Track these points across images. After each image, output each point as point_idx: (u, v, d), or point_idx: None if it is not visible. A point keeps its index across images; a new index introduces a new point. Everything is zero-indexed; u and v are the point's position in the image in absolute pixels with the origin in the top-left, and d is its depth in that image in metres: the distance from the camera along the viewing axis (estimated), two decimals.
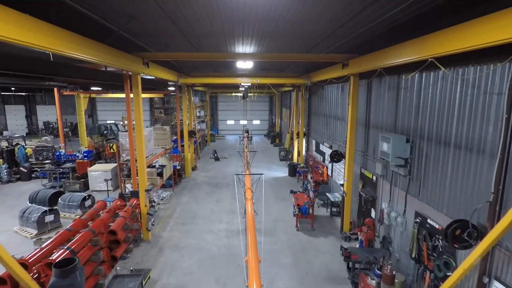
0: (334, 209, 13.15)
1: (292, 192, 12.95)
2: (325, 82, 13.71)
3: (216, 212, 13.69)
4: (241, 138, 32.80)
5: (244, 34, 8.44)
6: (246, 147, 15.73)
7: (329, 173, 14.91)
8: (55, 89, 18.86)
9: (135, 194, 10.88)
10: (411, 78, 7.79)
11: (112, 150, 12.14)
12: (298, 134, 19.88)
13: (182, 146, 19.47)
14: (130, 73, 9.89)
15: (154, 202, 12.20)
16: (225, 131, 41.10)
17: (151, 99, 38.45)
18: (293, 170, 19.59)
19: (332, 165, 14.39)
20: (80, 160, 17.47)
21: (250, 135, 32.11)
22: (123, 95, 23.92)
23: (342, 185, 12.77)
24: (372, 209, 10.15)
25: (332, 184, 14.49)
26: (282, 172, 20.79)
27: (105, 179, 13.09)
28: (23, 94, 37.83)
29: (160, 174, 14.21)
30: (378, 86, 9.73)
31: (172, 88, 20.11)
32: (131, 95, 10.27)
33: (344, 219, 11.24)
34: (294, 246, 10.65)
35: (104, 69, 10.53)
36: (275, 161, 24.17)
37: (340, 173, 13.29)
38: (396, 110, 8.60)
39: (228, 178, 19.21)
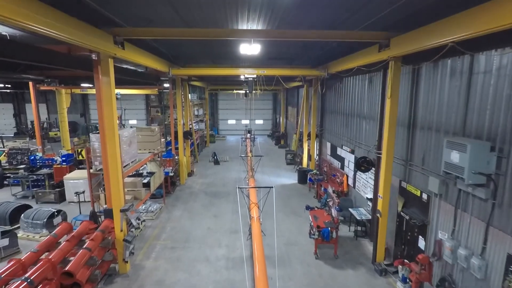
0: (359, 228, 10.67)
1: (308, 208, 10.48)
2: (348, 73, 11.22)
3: (214, 231, 11.21)
4: (243, 139, 30.39)
5: (251, 4, 6.05)
6: (250, 151, 13.31)
7: (350, 182, 12.42)
8: (31, 84, 16.44)
9: (108, 214, 8.41)
10: (498, 57, 5.30)
11: (81, 157, 9.76)
12: (309, 135, 17.38)
13: (177, 148, 17.01)
14: (94, 56, 7.41)
15: (138, 220, 9.74)
16: (225, 131, 38.63)
17: (147, 96, 36.05)
18: (304, 177, 17.10)
19: (355, 174, 11.89)
20: (58, 165, 15.03)
21: (253, 136, 29.67)
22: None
23: (370, 199, 10.29)
24: (420, 237, 7.66)
25: (355, 197, 11.99)
26: (290, 178, 18.29)
27: (77, 192, 10.63)
28: (11, 91, 35.44)
29: (147, 184, 11.74)
30: (432, 73, 7.22)
31: (167, 85, 17.63)
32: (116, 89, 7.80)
33: (378, 246, 8.74)
34: (315, 284, 8.16)
35: (67, 52, 8.11)
36: (281, 165, 21.67)
37: (367, 184, 10.79)
38: (466, 104, 6.10)
39: (229, 186, 16.73)
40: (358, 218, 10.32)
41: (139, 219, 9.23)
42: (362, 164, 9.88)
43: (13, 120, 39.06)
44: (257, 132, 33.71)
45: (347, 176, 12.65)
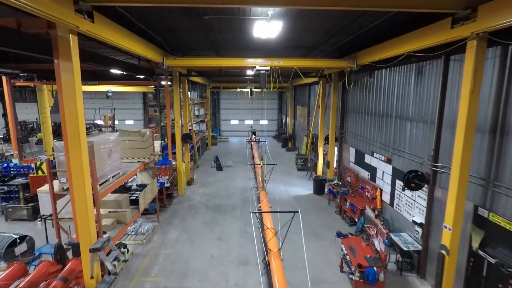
0: (403, 259, 8.37)
1: (340, 235, 8.20)
2: (385, 63, 8.91)
3: (218, 261, 8.92)
4: (247, 141, 28.11)
5: None
6: (262, 159, 11.04)
7: (385, 198, 10.13)
8: (4, 79, 14.17)
9: (76, 250, 6.13)
10: None
11: (40, 172, 7.53)
12: (326, 139, 15.07)
13: (174, 153, 14.74)
14: (50, 32, 5.12)
15: (117, 262, 7.41)
16: (228, 132, 36.35)
17: (144, 95, 33.81)
18: (321, 187, 14.81)
19: (393, 189, 9.59)
20: (34, 174, 12.73)
21: (258, 138, 27.41)
22: (104, 88, 19.21)
23: (420, 224, 8.00)
24: None
25: (392, 216, 9.69)
26: (304, 187, 16.00)
27: (41, 216, 8.22)
28: None
29: (136, 201, 9.46)
30: None
31: (163, 83, 15.24)
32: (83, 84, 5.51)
33: None
34: None
35: (17, 28, 5.87)
36: (291, 171, 19.36)
37: (413, 204, 8.49)
38: None
39: (234, 197, 14.44)
40: (403, 248, 8.02)
41: (118, 260, 6.95)
42: (413, 180, 7.57)
43: (3, 121, 36.77)
44: (261, 133, 31.44)
45: (381, 191, 10.35)
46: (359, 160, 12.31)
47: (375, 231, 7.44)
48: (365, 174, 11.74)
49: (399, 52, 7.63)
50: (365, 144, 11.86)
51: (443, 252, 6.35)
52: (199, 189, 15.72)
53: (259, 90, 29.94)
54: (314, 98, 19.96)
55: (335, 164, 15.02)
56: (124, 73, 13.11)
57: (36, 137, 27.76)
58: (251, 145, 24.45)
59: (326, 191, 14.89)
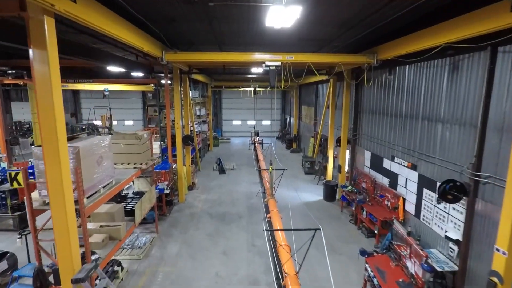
0: (436, 280, 7.34)
1: (364, 254, 7.18)
2: (411, 58, 7.88)
3: (225, 281, 7.90)
4: (250, 141, 27.08)
5: None
6: (271, 164, 10.02)
7: (409, 208, 9.11)
8: None
9: (57, 277, 5.12)
10: None
11: (16, 184, 6.52)
12: (338, 141, 14.04)
13: (175, 156, 13.71)
14: (21, 14, 4.12)
15: None
16: (230, 132, 35.34)
17: (143, 94, 32.79)
18: (331, 193, 13.80)
19: (420, 198, 8.56)
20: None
21: (261, 139, 26.39)
22: (100, 87, 18.19)
23: (456, 242, 7.00)
24: None
25: (416, 228, 8.65)
26: (313, 192, 14.98)
27: (21, 233, 7.17)
28: None
29: (132, 212, 8.45)
30: None
31: (163, 81, 14.17)
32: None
33: None
34: None
35: None
36: (298, 175, 18.33)
37: (445, 217, 7.46)
38: None
39: (239, 204, 13.42)
40: (437, 268, 6.99)
41: None
42: (450, 192, 6.54)
43: None
44: (264, 134, 30.46)
45: (404, 200, 9.32)
46: (376, 164, 11.29)
47: (408, 251, 6.41)
48: (383, 180, 10.71)
49: (434, 44, 6.61)
50: (383, 148, 10.83)
51: (495, 280, 5.33)
52: (202, 194, 14.70)
53: (263, 89, 28.95)
54: (322, 97, 18.95)
55: (347, 168, 13.99)
56: (121, 70, 12.14)
57: (32, 138, 26.81)
58: (255, 146, 23.44)
59: (337, 197, 13.90)
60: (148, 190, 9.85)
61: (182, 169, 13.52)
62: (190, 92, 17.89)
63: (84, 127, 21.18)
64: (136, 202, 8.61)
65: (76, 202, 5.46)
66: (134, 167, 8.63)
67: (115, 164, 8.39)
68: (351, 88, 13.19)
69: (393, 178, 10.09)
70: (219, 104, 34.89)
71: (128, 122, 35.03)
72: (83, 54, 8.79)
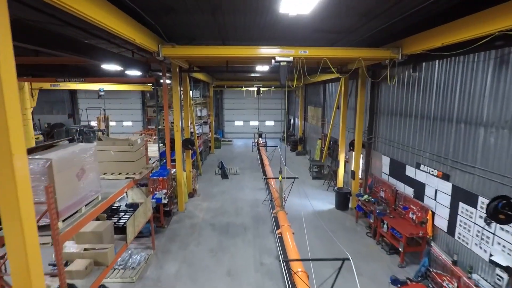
0: None
1: (396, 283, 6.07)
2: (450, 50, 6.77)
3: None
4: (253, 143, 25.95)
5: None
6: (280, 173, 8.93)
7: (439, 223, 7.99)
8: None
9: None
10: None
11: None
12: (351, 144, 12.94)
13: (174, 161, 12.62)
14: None
15: None
16: (232, 134, 34.23)
17: (143, 94, 31.72)
18: (344, 201, 12.70)
19: (454, 213, 7.44)
20: None
21: (265, 141, 25.30)
22: (95, 86, 17.13)
23: (506, 269, 5.87)
24: None
25: (452, 248, 7.53)
26: (323, 200, 13.87)
27: None
28: None
29: (124, 230, 7.35)
30: None
31: (161, 80, 12.97)
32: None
33: None
34: None
35: None
36: (306, 180, 17.21)
37: (492, 238, 6.33)
38: None
39: (244, 214, 12.33)
40: None
41: None
42: (502, 211, 5.42)
43: None
44: (268, 136, 29.36)
45: (433, 213, 8.21)
46: (397, 172, 10.17)
47: (455, 285, 5.29)
48: (406, 190, 9.59)
49: (484, 33, 5.49)
50: (405, 153, 9.71)
51: None
52: (203, 202, 13.60)
53: (266, 89, 27.83)
54: (331, 97, 17.86)
55: (360, 174, 12.87)
56: (117, 68, 11.07)
57: None
58: (259, 149, 22.33)
59: (350, 205, 12.81)
60: (143, 202, 8.76)
61: (182, 176, 12.43)
62: (191, 92, 16.81)
63: (79, 128, 20.13)
64: (129, 217, 7.51)
65: (46, 227, 4.40)
66: (126, 178, 7.54)
67: (104, 174, 7.34)
68: (366, 87, 12.08)
69: (418, 188, 8.97)
70: (221, 104, 33.81)
71: (127, 123, 34.00)
72: (73, 49, 7.73)
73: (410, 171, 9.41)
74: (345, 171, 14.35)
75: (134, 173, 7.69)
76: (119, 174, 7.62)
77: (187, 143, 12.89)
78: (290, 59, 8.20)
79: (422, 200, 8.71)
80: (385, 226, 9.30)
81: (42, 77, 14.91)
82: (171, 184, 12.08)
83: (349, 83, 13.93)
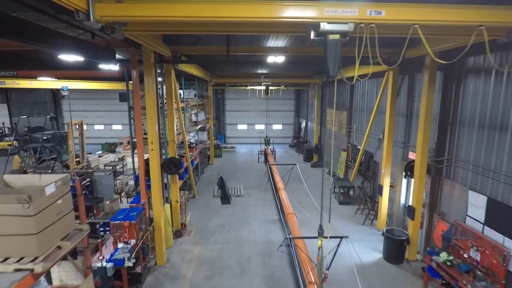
0: None
1: None
2: None
3: None
4: (260, 152, 22.04)
5: None
6: (321, 236, 5.08)
7: None
8: None
9: None
10: None
11: None
12: (408, 168, 8.94)
13: (149, 194, 8.64)
14: None
15: None
16: (234, 139, 30.30)
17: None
18: (398, 250, 8.69)
19: None
20: None
21: (274, 149, 21.38)
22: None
23: None
24: None
25: None
26: (363, 242, 9.87)
27: None
28: None
29: None
30: None
31: (134, 74, 8.64)
32: None
33: None
34: None
35: None
36: (331, 206, 13.17)
37: None
38: None
39: (252, 271, 8.35)
40: None
41: None
42: None
43: None
44: (275, 141, 25.41)
45: None
46: (504, 222, 6.16)
47: None
48: None
49: None
50: None
51: None
52: (194, 246, 9.65)
53: (275, 88, 23.80)
54: (363, 97, 13.88)
55: (423, 212, 8.85)
56: (75, 58, 7.25)
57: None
58: (266, 157, 18.38)
59: (406, 255, 8.81)
60: (79, 285, 4.84)
61: (161, 214, 8.50)
62: (181, 91, 12.92)
63: (46, 137, 16.27)
64: None
65: None
66: (17, 270, 3.60)
67: None
68: (437, 85, 8.08)
69: None
70: (222, 105, 29.86)
71: (117, 127, 30.29)
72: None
73: None
74: (390, 200, 10.42)
75: (34, 258, 3.73)
76: (4, 260, 3.69)
77: (170, 166, 8.93)
78: (349, 27, 4.22)
79: None
80: None
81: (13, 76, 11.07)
82: (145, 228, 8.18)
83: (400, 78, 9.96)
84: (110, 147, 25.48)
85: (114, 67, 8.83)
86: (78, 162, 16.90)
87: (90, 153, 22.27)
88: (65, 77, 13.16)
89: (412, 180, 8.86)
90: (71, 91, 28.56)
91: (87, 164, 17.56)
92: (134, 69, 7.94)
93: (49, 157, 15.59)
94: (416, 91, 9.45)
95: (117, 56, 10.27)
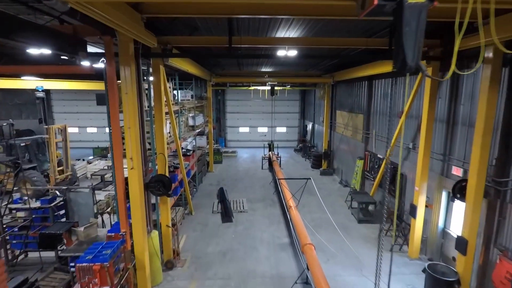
0: None
1: None
2: None
3: None
4: (264, 157, 20.26)
5: None
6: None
7: None
8: None
9: None
10: None
11: None
12: (460, 188, 7.12)
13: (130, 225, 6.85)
14: None
15: None
16: (236, 142, 28.49)
17: None
18: None
19: None
20: None
21: (279, 155, 19.61)
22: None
23: None
24: None
25: None
26: (395, 278, 8.02)
27: None
28: None
29: None
30: None
31: (109, 69, 6.86)
32: None
33: None
34: None
35: None
36: (348, 224, 11.37)
37: None
38: None
39: None
40: None
41: None
42: None
43: None
44: (279, 144, 23.63)
45: None
46: None
47: None
48: None
49: None
50: None
51: None
52: (189, 283, 7.80)
53: (280, 88, 21.98)
54: (382, 99, 12.09)
55: (479, 247, 7.02)
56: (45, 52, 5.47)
57: None
58: (273, 169, 16.63)
59: None
60: None
61: (145, 249, 6.69)
62: (175, 92, 11.13)
63: (25, 143, 14.48)
64: None
65: None
66: None
67: None
68: (500, 86, 6.28)
69: None
70: (223, 107, 28.05)
71: (107, 129, 28.43)
72: None
73: None
74: (427, 225, 8.63)
75: None
76: None
77: (157, 185, 7.11)
78: None
79: None
80: None
81: None
82: (125, 266, 6.37)
83: (442, 74, 8.14)
84: (102, 152, 23.75)
85: (84, 62, 7.00)
86: (61, 171, 15.18)
87: (79, 159, 20.53)
88: (43, 74, 11.37)
89: (458, 201, 7.05)
90: (58, 91, 26.76)
91: (72, 173, 15.80)
92: (109, 63, 6.14)
93: (31, 167, 13.81)
94: (463, 92, 7.66)
95: (98, 49, 8.49)
